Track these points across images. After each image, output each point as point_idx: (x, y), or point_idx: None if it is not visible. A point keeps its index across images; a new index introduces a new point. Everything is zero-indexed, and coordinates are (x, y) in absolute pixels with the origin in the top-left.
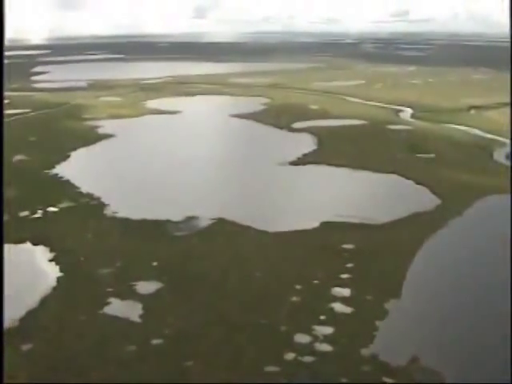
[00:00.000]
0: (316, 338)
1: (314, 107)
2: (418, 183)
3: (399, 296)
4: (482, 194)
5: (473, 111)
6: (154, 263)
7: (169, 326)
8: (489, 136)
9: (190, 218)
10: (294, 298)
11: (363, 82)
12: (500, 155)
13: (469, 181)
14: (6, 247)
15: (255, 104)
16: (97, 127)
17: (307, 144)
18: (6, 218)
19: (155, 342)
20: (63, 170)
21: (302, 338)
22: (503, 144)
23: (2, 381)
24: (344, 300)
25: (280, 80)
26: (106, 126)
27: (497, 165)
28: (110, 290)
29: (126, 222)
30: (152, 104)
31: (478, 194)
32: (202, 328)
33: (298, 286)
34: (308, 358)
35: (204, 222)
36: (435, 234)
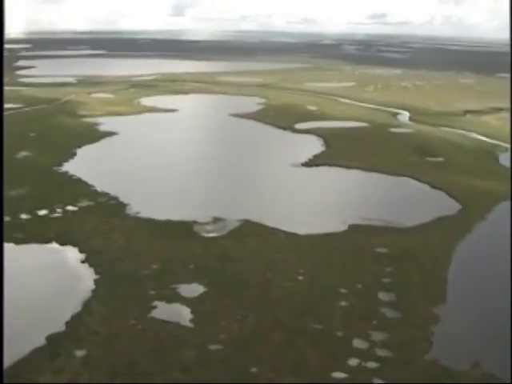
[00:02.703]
0: (374, 344)
1: (311, 108)
2: (433, 187)
3: (445, 300)
4: (499, 199)
5: (469, 115)
6: (191, 265)
7: (224, 331)
8: (490, 141)
9: (217, 219)
10: (343, 303)
11: (354, 83)
12: (506, 160)
13: (482, 185)
14: (34, 247)
15: (251, 104)
16: (97, 124)
17: (314, 145)
18: (25, 216)
19: (214, 347)
20: (72, 167)
21: (360, 344)
22: (506, 149)
23: (1, 381)
24: (392, 305)
25: (270, 80)
26: (105, 123)
27: (506, 170)
28: (152, 292)
29: (151, 222)
30: (147, 102)
31: (495, 198)
32: (258, 333)
33: (342, 290)
34: (372, 364)
35: (231, 224)
36: (465, 238)
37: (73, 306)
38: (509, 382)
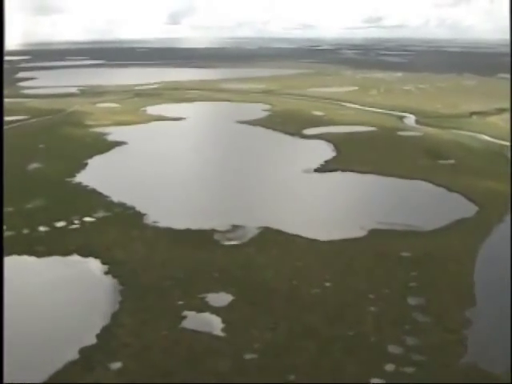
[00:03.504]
0: (409, 348)
1: (317, 113)
2: (449, 190)
3: (475, 303)
4: None
5: (474, 117)
6: (216, 274)
7: (257, 340)
8: (499, 142)
9: (236, 227)
10: (372, 308)
11: (356, 88)
12: None
13: (497, 187)
14: (56, 259)
15: (257, 110)
16: (105, 134)
17: (325, 151)
18: (43, 228)
19: (249, 356)
20: (85, 178)
21: (395, 349)
22: None
23: (1, 381)
24: (422, 309)
25: (273, 86)
26: (113, 133)
27: None
28: (181, 303)
29: (170, 231)
30: (153, 110)
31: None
32: (292, 341)
33: (371, 296)
34: (409, 369)
35: (250, 231)
36: (486, 240)
37: (101, 318)
38: (509, 382)
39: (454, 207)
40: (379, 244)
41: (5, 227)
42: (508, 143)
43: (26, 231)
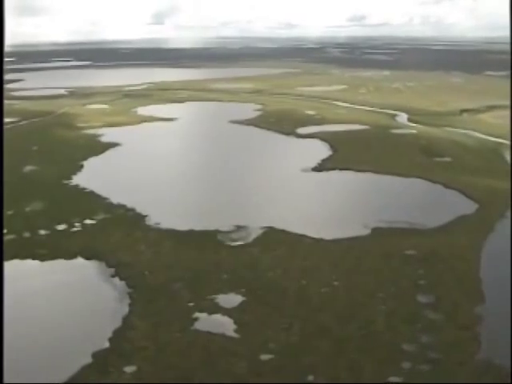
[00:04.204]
0: (423, 346)
1: (310, 113)
2: (447, 187)
3: (484, 299)
4: None
5: (465, 115)
6: (224, 275)
7: (272, 340)
8: (492, 139)
9: (239, 227)
10: (383, 307)
11: (345, 86)
12: None
13: (494, 184)
14: (60, 263)
15: (249, 110)
16: (98, 136)
17: (321, 150)
18: (44, 231)
19: (265, 356)
20: (82, 180)
21: (409, 347)
22: (508, 146)
23: (1, 381)
24: (432, 306)
25: (262, 85)
26: (106, 134)
27: None
28: (191, 304)
29: (173, 233)
30: (144, 111)
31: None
32: (306, 341)
33: (380, 294)
34: (425, 367)
35: (254, 231)
36: (490, 237)
37: (112, 321)
38: (509, 382)
39: (453, 205)
40: (384, 242)
41: (5, 231)
42: (502, 140)
43: (26, 234)
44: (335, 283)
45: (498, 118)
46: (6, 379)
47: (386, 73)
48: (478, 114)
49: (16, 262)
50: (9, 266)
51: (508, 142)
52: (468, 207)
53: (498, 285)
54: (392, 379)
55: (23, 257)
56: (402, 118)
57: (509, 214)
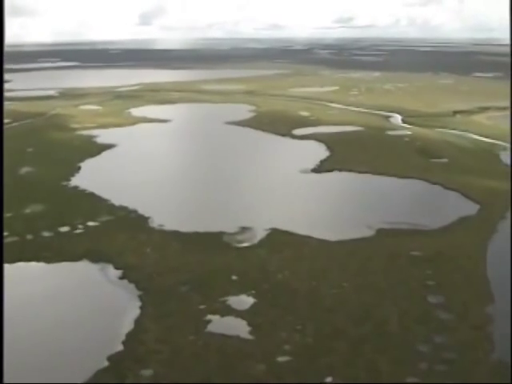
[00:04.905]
0: (438, 346)
1: (304, 114)
2: (446, 188)
3: (493, 299)
4: None
5: (458, 116)
6: (233, 277)
7: (287, 342)
8: (487, 140)
9: (244, 229)
10: (395, 308)
11: (337, 88)
12: (507, 159)
13: (493, 185)
14: (66, 265)
15: (242, 111)
16: (93, 137)
17: (318, 151)
18: (47, 234)
19: (282, 358)
20: (81, 181)
21: (424, 347)
22: (504, 148)
23: (1, 381)
24: (443, 307)
25: (253, 87)
26: (101, 135)
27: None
28: (202, 307)
29: (178, 234)
30: (137, 112)
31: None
32: (322, 342)
33: (390, 295)
34: (442, 367)
35: (259, 233)
36: (493, 237)
37: (124, 324)
38: (509, 382)
39: (454, 205)
40: (389, 243)
41: (7, 233)
42: (496, 141)
43: (29, 237)
44: (345, 284)
45: (491, 119)
46: None
47: (377, 74)
48: (471, 116)
49: (21, 264)
50: (14, 268)
51: (503, 143)
52: (469, 208)
53: (506, 285)
54: (410, 380)
55: (28, 259)
56: (396, 119)
57: (509, 214)
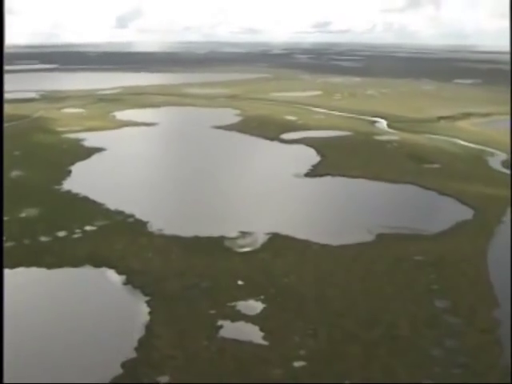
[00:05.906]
0: (449, 350)
1: (290, 118)
2: (441, 193)
3: (499, 303)
4: (508, 202)
5: (443, 121)
6: (240, 282)
7: (301, 347)
8: (475, 146)
9: (245, 233)
10: (402, 311)
11: (320, 92)
12: (496, 164)
13: (486, 190)
14: (69, 271)
15: (229, 115)
16: (80, 140)
17: (309, 156)
18: (45, 238)
19: (298, 363)
20: (73, 185)
21: (437, 351)
22: (491, 153)
23: (1, 381)
24: (450, 311)
25: (236, 91)
26: (88, 138)
27: (501, 174)
28: (212, 312)
29: (179, 239)
30: (122, 116)
31: (504, 202)
32: (335, 346)
33: (398, 299)
34: (457, 370)
35: (260, 237)
36: (492, 241)
37: (135, 330)
38: (509, 382)
39: (451, 210)
40: (391, 248)
41: (4, 238)
42: (484, 148)
43: (27, 242)
44: (352, 288)
45: (477, 126)
46: None
47: (357, 79)
48: (455, 121)
49: (22, 270)
50: (15, 274)
51: (490, 149)
52: (465, 213)
53: (509, 289)
54: (426, 382)
55: (29, 265)
56: (382, 124)
57: (505, 219)
